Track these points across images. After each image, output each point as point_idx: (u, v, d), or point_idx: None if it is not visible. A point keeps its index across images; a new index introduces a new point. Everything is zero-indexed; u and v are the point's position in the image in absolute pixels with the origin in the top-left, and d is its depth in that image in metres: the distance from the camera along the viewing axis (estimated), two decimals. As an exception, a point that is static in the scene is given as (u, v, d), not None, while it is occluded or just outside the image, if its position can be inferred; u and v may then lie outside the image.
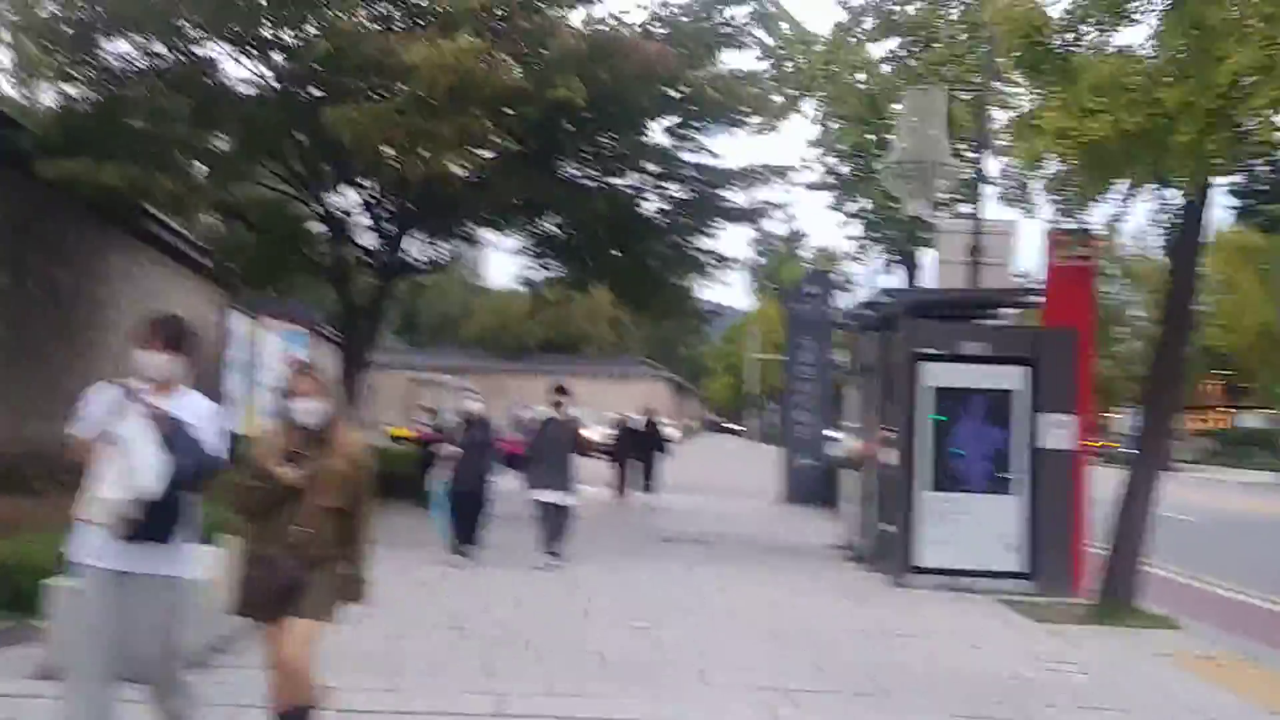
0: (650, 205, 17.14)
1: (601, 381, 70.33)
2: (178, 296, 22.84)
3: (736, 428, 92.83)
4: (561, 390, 12.60)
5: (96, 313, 18.13)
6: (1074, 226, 11.54)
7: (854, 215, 21.63)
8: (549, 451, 12.14)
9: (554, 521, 12.17)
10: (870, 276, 24.18)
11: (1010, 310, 13.77)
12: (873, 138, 20.66)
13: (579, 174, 16.45)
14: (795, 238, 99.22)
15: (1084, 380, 12.00)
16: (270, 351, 32.50)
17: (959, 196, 20.71)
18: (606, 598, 10.19)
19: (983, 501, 11.96)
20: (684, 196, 16.91)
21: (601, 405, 60.97)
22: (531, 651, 7.81)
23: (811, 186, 21.08)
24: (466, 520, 12.15)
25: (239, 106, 14.78)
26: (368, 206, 17.44)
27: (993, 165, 16.12)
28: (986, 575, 11.87)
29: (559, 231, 17.69)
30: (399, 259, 17.80)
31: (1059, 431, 11.87)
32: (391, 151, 13.00)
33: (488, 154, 13.76)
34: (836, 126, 21.07)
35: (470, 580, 10.93)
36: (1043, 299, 12.29)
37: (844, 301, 25.36)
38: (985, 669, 8.05)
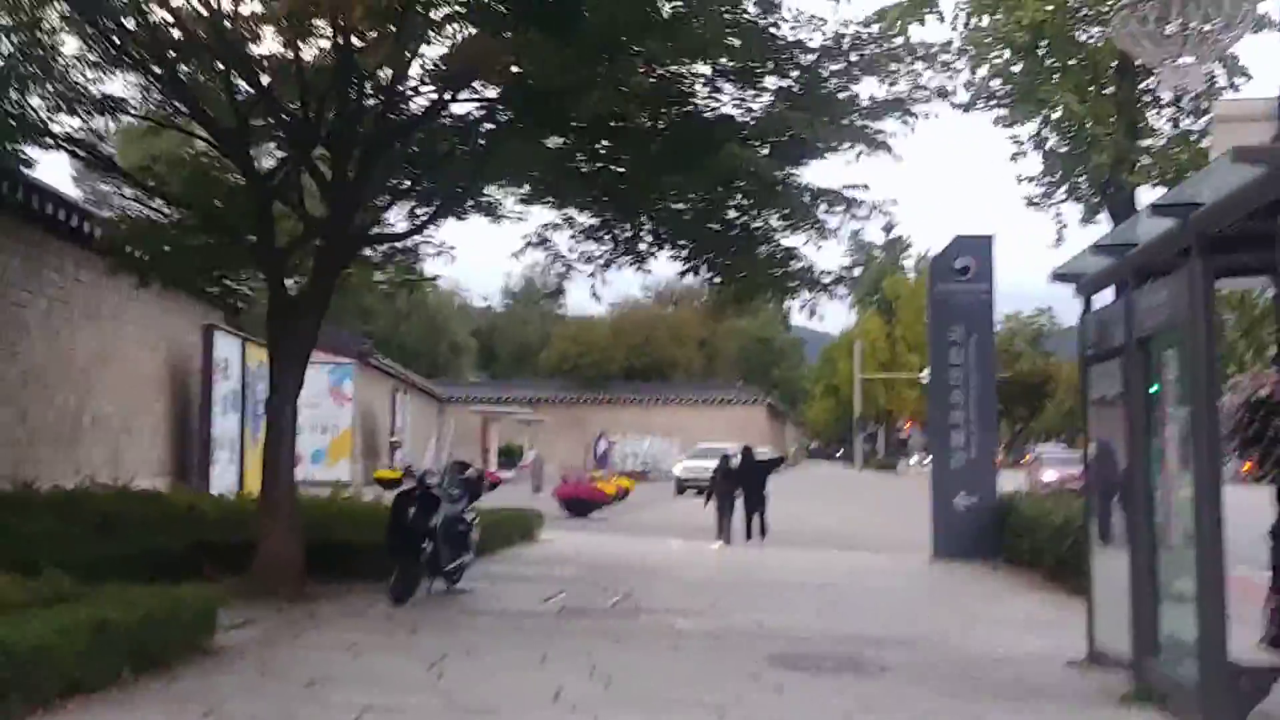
0: (726, 97, 10.33)
1: (691, 408, 63.88)
2: (132, 313, 17.03)
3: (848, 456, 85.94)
4: None
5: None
6: None
7: (1030, 140, 15.03)
8: None
9: None
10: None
11: None
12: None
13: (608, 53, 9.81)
14: (898, 244, 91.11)
15: None
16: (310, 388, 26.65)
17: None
18: None
19: None
20: (783, 84, 10.19)
21: (693, 434, 54.71)
22: None
23: (968, 105, 14.52)
24: None
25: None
26: (299, 155, 11.29)
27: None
28: None
29: (583, 159, 10.99)
30: (350, 228, 11.59)
31: None
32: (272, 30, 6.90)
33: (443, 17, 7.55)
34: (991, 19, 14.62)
35: None
36: None
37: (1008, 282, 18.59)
38: None
